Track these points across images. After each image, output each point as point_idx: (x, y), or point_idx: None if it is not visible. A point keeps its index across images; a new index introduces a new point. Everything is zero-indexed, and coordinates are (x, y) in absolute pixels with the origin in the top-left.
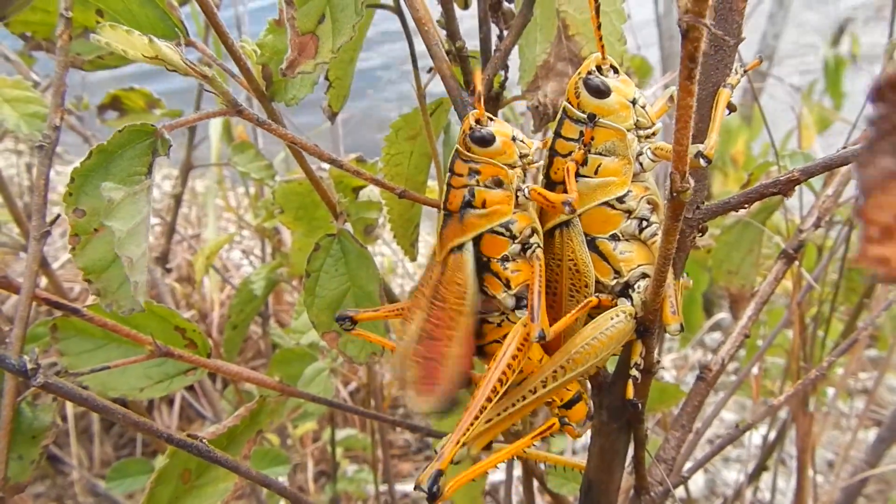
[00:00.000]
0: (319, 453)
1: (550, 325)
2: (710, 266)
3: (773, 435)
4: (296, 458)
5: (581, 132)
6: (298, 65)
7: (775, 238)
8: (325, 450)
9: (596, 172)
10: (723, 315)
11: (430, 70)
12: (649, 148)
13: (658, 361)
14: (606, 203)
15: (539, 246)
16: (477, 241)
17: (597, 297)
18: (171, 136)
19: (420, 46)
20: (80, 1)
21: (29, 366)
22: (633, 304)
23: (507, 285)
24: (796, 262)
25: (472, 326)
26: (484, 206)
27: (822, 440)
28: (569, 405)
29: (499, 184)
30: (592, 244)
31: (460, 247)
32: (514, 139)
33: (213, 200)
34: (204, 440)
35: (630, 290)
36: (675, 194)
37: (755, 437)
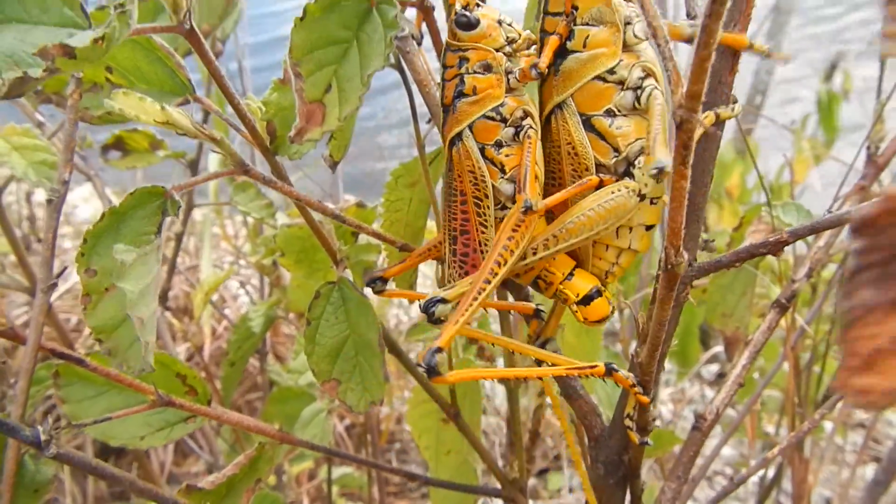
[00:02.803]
0: (315, 491)
1: (547, 199)
2: (706, 309)
3: (770, 473)
4: (291, 496)
5: (564, 2)
6: (306, 132)
7: (768, 279)
8: (322, 488)
9: (584, 45)
10: (719, 348)
11: (428, 121)
12: (641, 22)
13: (654, 419)
14: (598, 77)
15: (532, 127)
16: (470, 128)
17: (599, 176)
18: (171, 161)
19: (420, 97)
20: None
21: (42, 437)
22: (636, 181)
23: (502, 170)
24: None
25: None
26: (475, 92)
27: (819, 476)
28: (586, 301)
29: (487, 68)
30: (588, 124)
31: (459, 137)
32: (500, 22)
33: (209, 231)
34: (203, 488)
35: (631, 168)
36: (669, 267)
37: (752, 477)
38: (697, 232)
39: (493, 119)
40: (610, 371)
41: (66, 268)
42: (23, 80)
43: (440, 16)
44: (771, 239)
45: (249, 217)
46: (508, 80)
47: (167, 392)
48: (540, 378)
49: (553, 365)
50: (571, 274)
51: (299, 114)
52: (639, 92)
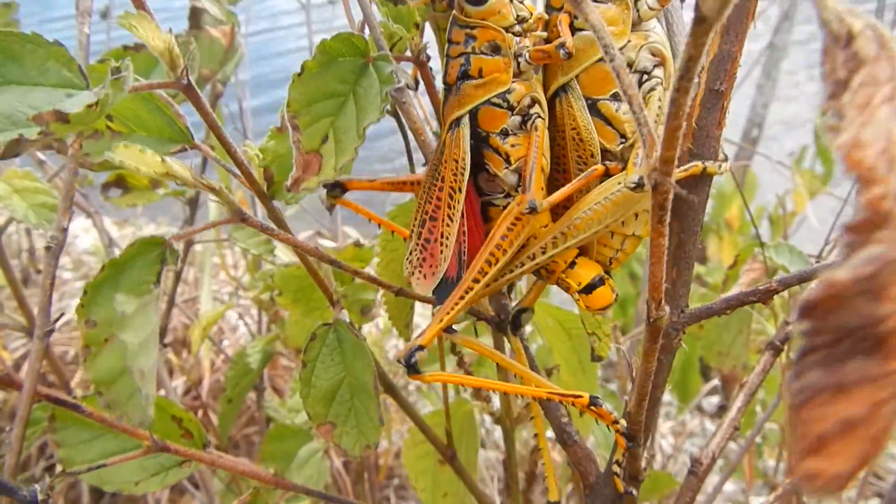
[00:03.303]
0: None
1: (551, 196)
2: (702, 347)
3: None
4: None
5: None
6: (303, 181)
7: (765, 315)
8: None
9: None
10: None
11: (424, 164)
12: None
13: (645, 469)
14: (604, 58)
15: (539, 116)
16: (475, 114)
17: (604, 164)
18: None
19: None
20: None
21: (39, 496)
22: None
23: (507, 160)
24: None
25: (472, 204)
26: (480, 74)
27: None
28: (588, 289)
29: (496, 49)
30: (594, 108)
31: (458, 122)
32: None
33: (209, 263)
34: None
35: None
36: (651, 320)
37: None
38: (689, 278)
39: (499, 106)
40: (593, 403)
41: (62, 314)
42: (18, 142)
43: (435, 63)
44: (761, 287)
45: (248, 253)
46: (518, 63)
47: (163, 436)
48: (529, 399)
49: (538, 387)
50: (574, 262)
51: (296, 164)
52: (643, 77)
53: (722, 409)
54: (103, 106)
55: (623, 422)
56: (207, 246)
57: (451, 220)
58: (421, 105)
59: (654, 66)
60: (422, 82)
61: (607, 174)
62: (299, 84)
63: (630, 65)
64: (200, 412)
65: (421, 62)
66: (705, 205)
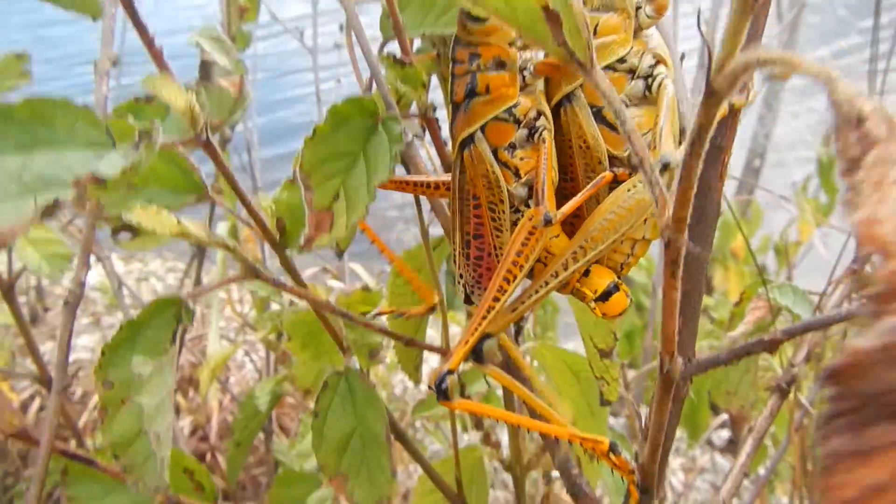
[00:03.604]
0: None
1: (564, 207)
2: (709, 387)
3: None
4: None
5: None
6: (315, 239)
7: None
8: None
9: (595, 32)
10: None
11: (430, 209)
12: (651, 2)
13: None
14: (608, 66)
15: (546, 129)
16: (482, 130)
17: (612, 171)
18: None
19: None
20: None
21: None
22: None
23: (517, 174)
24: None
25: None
26: (488, 90)
27: None
28: (604, 297)
29: (501, 65)
30: (599, 115)
31: (471, 139)
32: None
33: (216, 303)
34: None
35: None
36: (665, 372)
37: None
38: (695, 328)
39: (506, 121)
40: (613, 450)
41: (79, 369)
42: (55, 206)
43: (441, 113)
44: (766, 338)
45: (257, 295)
46: (524, 76)
47: (175, 489)
48: (542, 434)
49: (559, 425)
50: (588, 271)
51: (308, 223)
52: (649, 80)
53: (732, 443)
54: (136, 169)
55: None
56: (212, 281)
57: (501, 231)
58: (430, 157)
59: (654, 66)
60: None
61: (616, 181)
62: (311, 146)
63: (633, 71)
64: (209, 455)
65: (428, 119)
66: (709, 252)
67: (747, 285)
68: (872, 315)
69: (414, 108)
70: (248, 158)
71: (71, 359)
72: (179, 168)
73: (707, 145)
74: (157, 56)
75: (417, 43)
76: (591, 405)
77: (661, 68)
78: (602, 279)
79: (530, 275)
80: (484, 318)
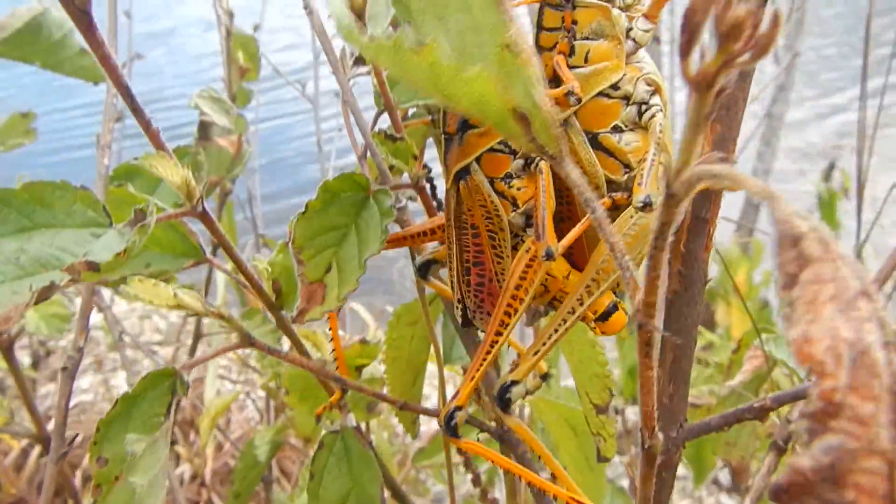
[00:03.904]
0: None
1: (564, 239)
2: (709, 438)
3: None
4: None
5: (563, 18)
6: (308, 312)
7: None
8: None
9: (586, 60)
10: None
11: None
12: (641, 17)
13: None
14: (601, 93)
15: (542, 159)
16: (477, 161)
17: (609, 197)
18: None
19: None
20: None
21: None
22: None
23: (514, 204)
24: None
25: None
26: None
27: None
28: (604, 317)
29: None
30: (595, 141)
31: (467, 170)
32: None
33: (215, 341)
34: None
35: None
36: (646, 448)
37: None
38: (685, 392)
39: (501, 151)
40: None
41: (77, 435)
42: (50, 288)
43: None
44: (756, 404)
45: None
46: None
47: None
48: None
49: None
50: None
51: (301, 295)
52: (643, 108)
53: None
54: (130, 252)
55: None
56: (213, 326)
57: (501, 258)
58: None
59: (651, 94)
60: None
61: (614, 206)
62: (303, 221)
63: (628, 97)
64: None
65: (420, 188)
66: (698, 321)
67: (745, 332)
68: (809, 434)
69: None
70: (251, 210)
71: (73, 402)
72: (177, 233)
73: (691, 216)
74: (153, 136)
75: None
76: (589, 460)
77: (656, 98)
78: (603, 300)
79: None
80: (489, 352)
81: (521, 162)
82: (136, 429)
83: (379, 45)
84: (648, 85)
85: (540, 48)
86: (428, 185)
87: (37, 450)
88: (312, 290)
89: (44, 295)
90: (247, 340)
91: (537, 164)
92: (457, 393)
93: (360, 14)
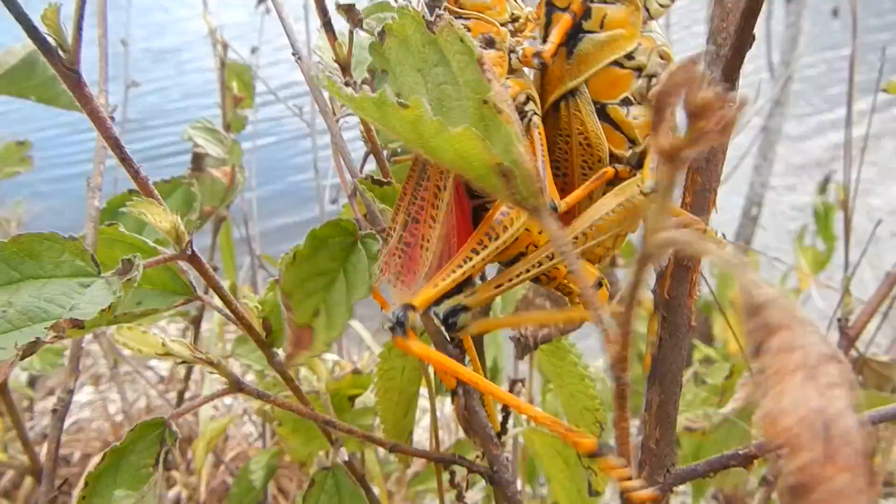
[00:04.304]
0: None
1: (569, 197)
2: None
3: None
4: None
5: None
6: (294, 357)
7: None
8: None
9: (602, 26)
10: None
11: None
12: None
13: None
14: (615, 62)
15: (536, 114)
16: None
17: (614, 167)
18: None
19: None
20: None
21: None
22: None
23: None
24: None
25: (462, 208)
26: None
27: None
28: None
29: (490, 43)
30: (602, 112)
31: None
32: None
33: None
34: None
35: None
36: (625, 497)
37: None
38: (672, 437)
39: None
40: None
41: (65, 480)
42: (35, 344)
43: None
44: (741, 452)
45: (251, 370)
46: (510, 59)
47: None
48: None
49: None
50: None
51: (288, 340)
52: (654, 81)
53: None
54: (115, 308)
55: None
56: (212, 338)
57: (435, 222)
58: None
59: (663, 68)
60: None
61: (617, 177)
62: (291, 268)
63: (641, 68)
64: None
65: None
66: (682, 366)
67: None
68: None
69: None
70: (247, 231)
71: (69, 422)
72: (168, 270)
73: (675, 264)
74: (142, 185)
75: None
76: (582, 491)
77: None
78: (589, 276)
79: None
80: (459, 266)
81: (644, 83)
82: (124, 483)
83: (363, 99)
84: (661, 57)
85: (552, 6)
86: None
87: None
88: (300, 335)
89: (29, 351)
90: (236, 386)
91: (531, 120)
92: (415, 294)
93: (345, 66)
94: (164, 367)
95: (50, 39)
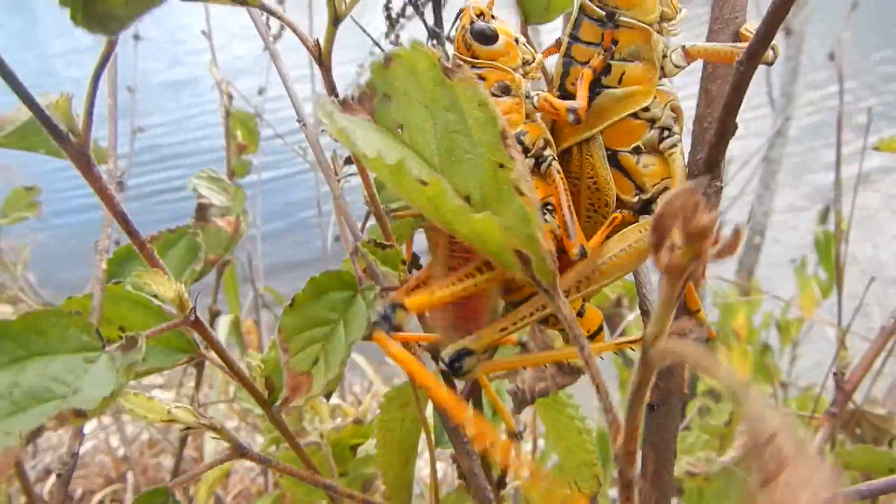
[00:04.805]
0: None
1: (592, 241)
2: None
3: None
4: None
5: (602, 35)
6: (292, 401)
7: None
8: None
9: (620, 81)
10: None
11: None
12: (679, 49)
13: None
14: (631, 113)
15: (554, 158)
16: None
17: (619, 212)
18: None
19: None
20: (105, 320)
21: None
22: None
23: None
24: None
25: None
26: None
27: None
28: (593, 336)
29: (506, 90)
30: (613, 159)
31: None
32: (517, 41)
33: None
34: None
35: (652, 206)
36: None
37: None
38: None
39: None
40: None
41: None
42: (39, 431)
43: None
44: None
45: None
46: (525, 105)
47: None
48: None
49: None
50: (582, 311)
51: (286, 385)
52: (665, 133)
53: None
54: (117, 395)
55: None
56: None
57: (468, 262)
58: None
59: (674, 121)
60: None
61: (623, 222)
62: (291, 314)
63: (654, 120)
64: None
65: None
66: (676, 432)
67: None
68: None
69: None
70: (250, 269)
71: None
72: (173, 329)
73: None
74: (147, 256)
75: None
76: None
77: (677, 126)
78: (596, 319)
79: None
80: (457, 283)
81: (531, 161)
82: None
83: (380, 162)
84: (672, 111)
85: (571, 59)
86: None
87: None
88: (299, 382)
89: (33, 438)
90: (239, 452)
91: (549, 164)
92: (402, 287)
93: None
94: (166, 397)
95: (61, 126)
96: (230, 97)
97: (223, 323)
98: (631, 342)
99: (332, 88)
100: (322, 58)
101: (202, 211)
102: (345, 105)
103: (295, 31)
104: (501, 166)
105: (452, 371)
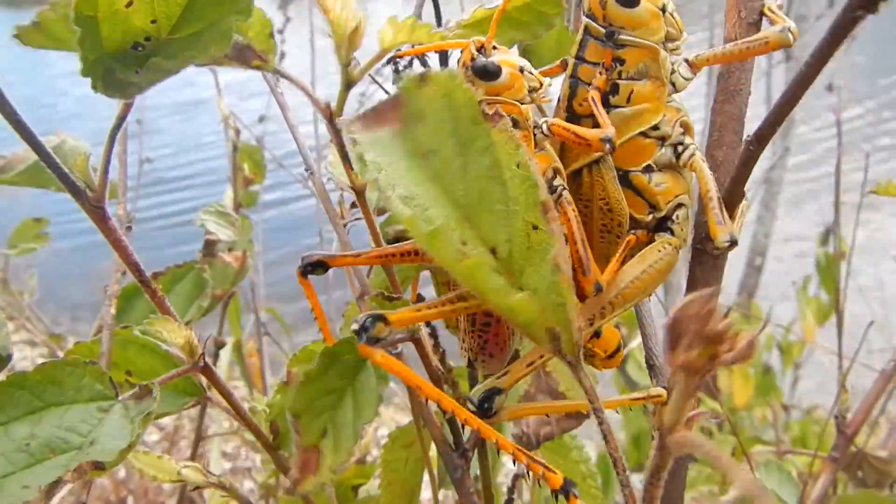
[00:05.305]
0: None
1: (606, 274)
2: None
3: None
4: None
5: (610, 55)
6: (301, 484)
7: None
8: None
9: (628, 101)
10: None
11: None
12: (683, 63)
13: None
14: (641, 133)
15: (565, 188)
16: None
17: (633, 233)
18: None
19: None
20: (113, 364)
21: None
22: (674, 235)
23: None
24: None
25: None
26: None
27: None
28: (612, 355)
29: (514, 124)
30: (625, 179)
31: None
32: (521, 70)
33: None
34: None
35: (668, 223)
36: None
37: None
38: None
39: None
40: (566, 491)
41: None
42: (56, 484)
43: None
44: None
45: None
46: (535, 135)
47: None
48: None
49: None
50: (598, 333)
51: (295, 463)
52: (679, 148)
53: None
54: (133, 447)
55: None
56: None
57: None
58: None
59: (683, 135)
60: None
61: (637, 243)
62: (302, 389)
63: (665, 138)
64: None
65: (416, 340)
66: (682, 492)
67: (737, 443)
68: None
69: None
70: (253, 296)
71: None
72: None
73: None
74: (159, 303)
75: None
76: None
77: (689, 139)
78: (613, 339)
79: None
80: (448, 303)
81: (669, 151)
82: None
83: (415, 224)
84: (682, 127)
85: (577, 80)
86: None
87: None
88: (307, 458)
89: (50, 493)
90: None
91: (560, 195)
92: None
93: (360, 191)
94: (165, 419)
95: (79, 184)
96: (237, 131)
97: (225, 351)
98: (643, 399)
99: (341, 147)
100: (333, 118)
101: (209, 247)
102: (372, 115)
103: (309, 95)
104: (535, 228)
105: (482, 412)
